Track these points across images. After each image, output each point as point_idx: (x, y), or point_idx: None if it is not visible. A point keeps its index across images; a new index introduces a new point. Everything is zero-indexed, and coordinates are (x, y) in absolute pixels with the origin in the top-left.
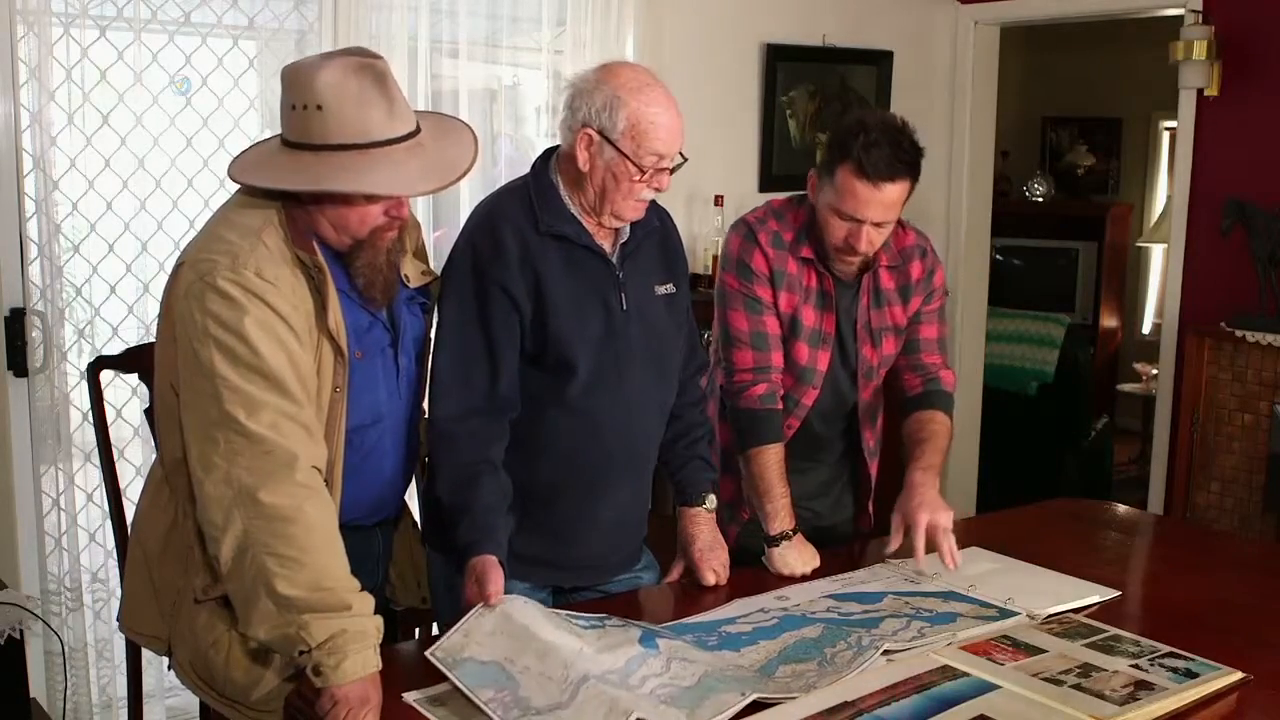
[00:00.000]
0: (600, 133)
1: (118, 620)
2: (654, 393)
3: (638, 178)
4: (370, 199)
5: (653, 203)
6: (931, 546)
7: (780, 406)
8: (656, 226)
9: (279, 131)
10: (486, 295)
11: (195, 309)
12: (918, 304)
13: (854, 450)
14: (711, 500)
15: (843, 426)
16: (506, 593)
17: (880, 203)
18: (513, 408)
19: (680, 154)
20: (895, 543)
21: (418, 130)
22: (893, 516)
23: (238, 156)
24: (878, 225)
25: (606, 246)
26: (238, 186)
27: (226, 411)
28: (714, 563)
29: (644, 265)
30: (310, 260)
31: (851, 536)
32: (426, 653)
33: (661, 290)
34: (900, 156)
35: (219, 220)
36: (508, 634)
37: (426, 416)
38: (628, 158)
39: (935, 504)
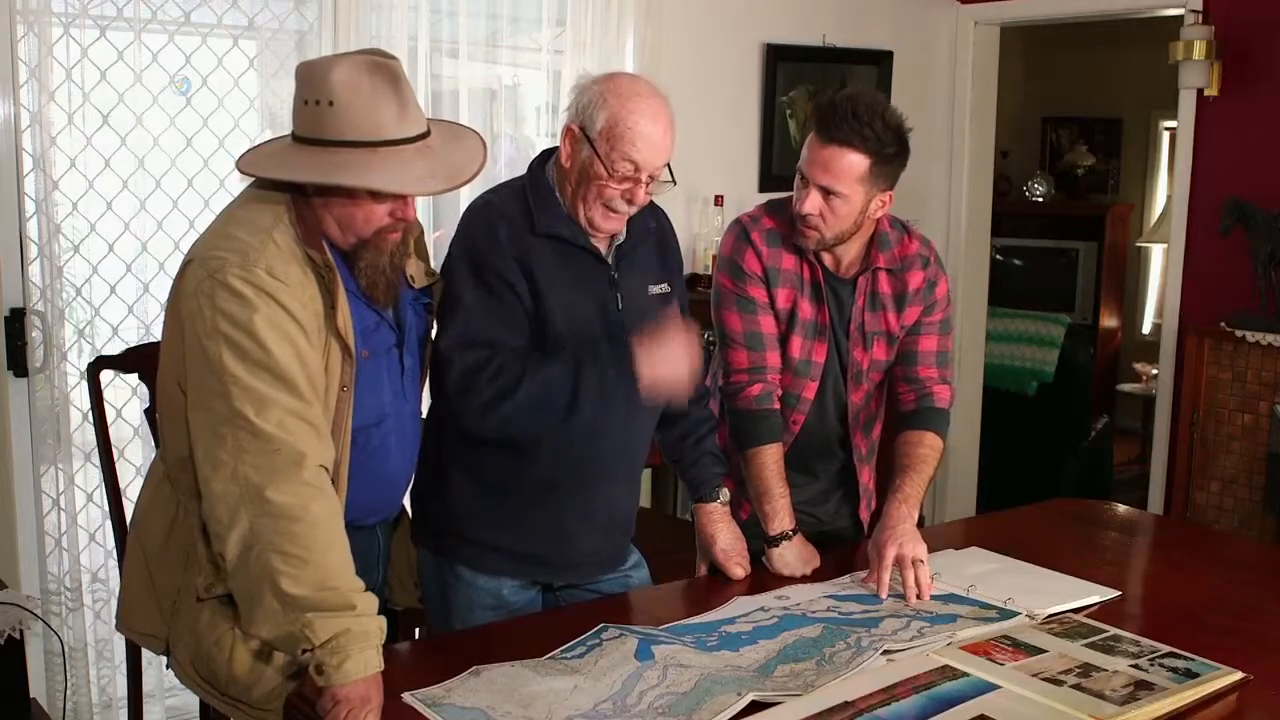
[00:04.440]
0: (581, 128)
1: (115, 619)
2: None
3: (605, 180)
4: (375, 197)
5: (650, 203)
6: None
7: (776, 407)
8: (653, 228)
9: (281, 131)
10: (490, 287)
11: (205, 306)
12: (916, 314)
13: (850, 459)
14: (725, 494)
15: (840, 433)
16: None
17: (822, 163)
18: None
19: (670, 175)
20: (872, 576)
21: (428, 133)
22: (868, 548)
23: (247, 151)
24: (825, 193)
25: (602, 247)
26: (241, 185)
27: (235, 409)
28: (738, 558)
29: (640, 265)
30: (320, 259)
31: (855, 540)
32: (403, 695)
33: (656, 290)
34: (856, 127)
35: (228, 218)
36: (492, 690)
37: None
38: (599, 158)
39: (907, 536)
